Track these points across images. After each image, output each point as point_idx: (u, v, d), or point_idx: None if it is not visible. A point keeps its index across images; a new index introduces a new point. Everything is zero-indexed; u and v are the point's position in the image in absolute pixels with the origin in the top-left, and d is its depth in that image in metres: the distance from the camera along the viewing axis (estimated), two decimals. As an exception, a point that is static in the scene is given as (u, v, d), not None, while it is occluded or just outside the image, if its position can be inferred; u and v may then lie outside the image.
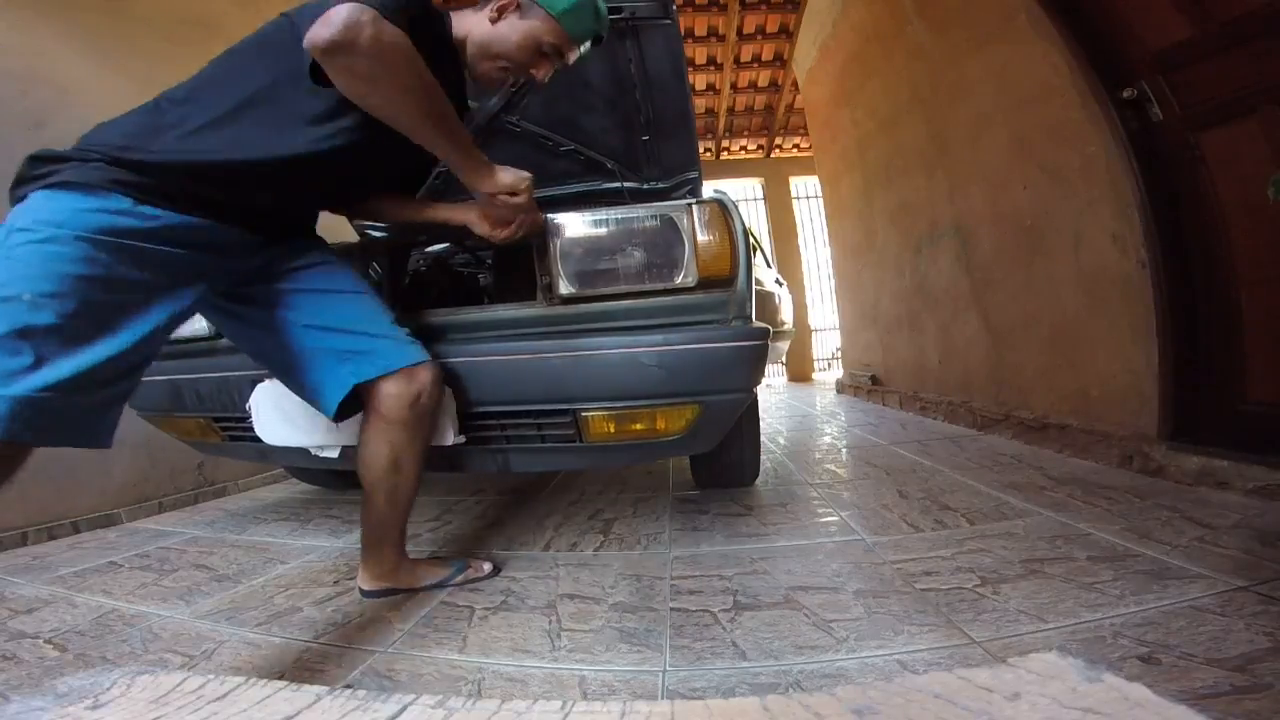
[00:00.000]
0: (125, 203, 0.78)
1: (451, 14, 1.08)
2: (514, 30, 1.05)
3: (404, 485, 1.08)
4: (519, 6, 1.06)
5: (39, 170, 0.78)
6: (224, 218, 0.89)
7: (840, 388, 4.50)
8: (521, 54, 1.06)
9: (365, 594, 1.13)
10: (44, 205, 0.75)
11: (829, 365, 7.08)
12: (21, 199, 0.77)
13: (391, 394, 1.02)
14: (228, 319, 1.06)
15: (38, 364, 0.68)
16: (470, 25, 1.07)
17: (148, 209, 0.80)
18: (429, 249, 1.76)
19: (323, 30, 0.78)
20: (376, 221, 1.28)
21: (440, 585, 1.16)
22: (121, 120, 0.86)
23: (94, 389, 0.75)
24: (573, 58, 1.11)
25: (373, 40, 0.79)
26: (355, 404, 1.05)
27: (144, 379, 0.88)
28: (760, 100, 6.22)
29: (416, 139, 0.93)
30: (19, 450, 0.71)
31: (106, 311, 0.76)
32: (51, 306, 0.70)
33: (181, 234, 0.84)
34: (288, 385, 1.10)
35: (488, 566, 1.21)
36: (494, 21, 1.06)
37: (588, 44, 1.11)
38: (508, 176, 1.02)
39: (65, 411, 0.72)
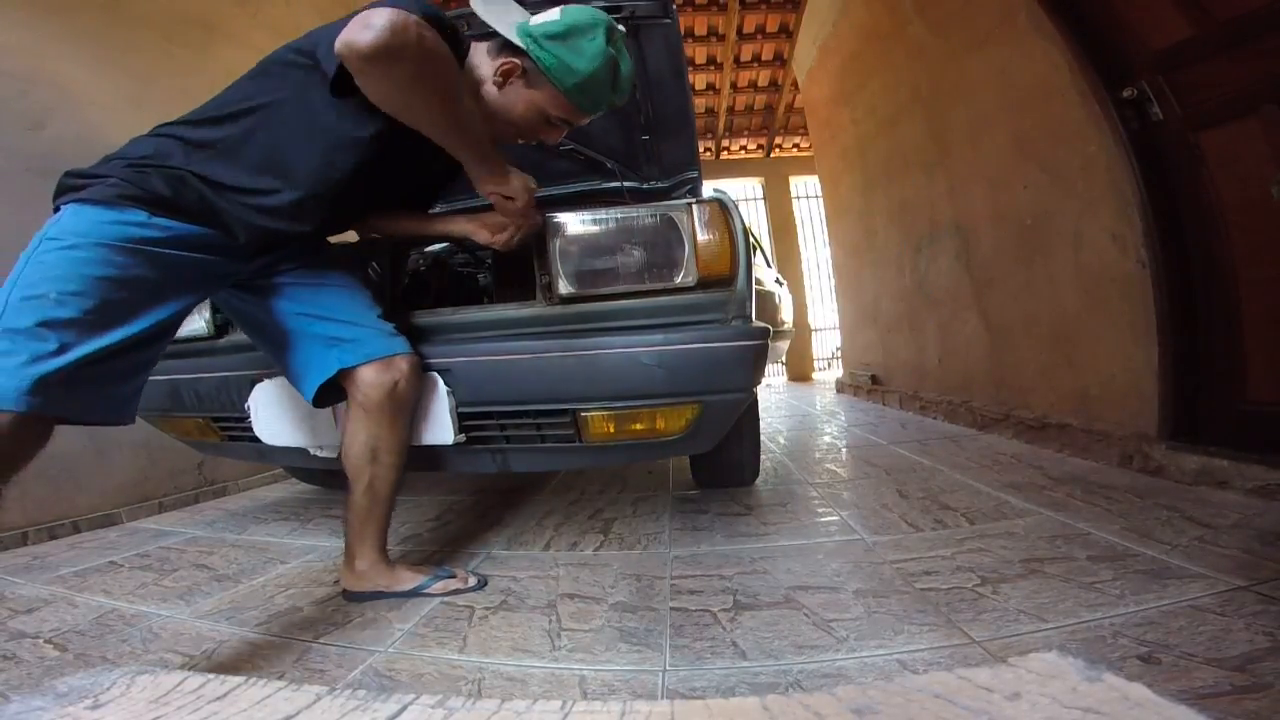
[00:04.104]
0: (140, 215, 0.84)
1: (474, 44, 1.04)
2: (518, 100, 1.01)
3: (382, 477, 1.08)
4: (524, 74, 0.99)
5: (71, 183, 0.86)
6: (230, 230, 0.93)
7: (840, 387, 4.50)
8: (527, 124, 1.04)
9: (348, 596, 1.11)
10: (71, 218, 0.82)
11: (829, 365, 7.07)
12: (56, 210, 0.86)
13: (369, 381, 1.05)
14: (233, 305, 1.12)
15: (61, 350, 0.75)
16: (482, 74, 1.02)
17: (160, 220, 0.86)
18: (429, 249, 1.76)
19: (364, 34, 0.76)
20: (378, 235, 1.29)
21: (413, 593, 1.10)
22: (140, 141, 0.91)
23: (111, 360, 0.81)
24: (586, 122, 1.07)
25: (418, 42, 0.79)
26: (336, 394, 1.08)
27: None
28: (760, 100, 6.21)
29: (442, 141, 0.93)
30: (43, 425, 0.76)
31: (123, 306, 0.82)
32: (74, 303, 0.77)
33: (191, 241, 0.89)
34: (280, 367, 1.13)
35: (474, 580, 1.14)
36: (499, 87, 1.01)
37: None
38: (517, 181, 1.03)
39: (86, 385, 0.78)
